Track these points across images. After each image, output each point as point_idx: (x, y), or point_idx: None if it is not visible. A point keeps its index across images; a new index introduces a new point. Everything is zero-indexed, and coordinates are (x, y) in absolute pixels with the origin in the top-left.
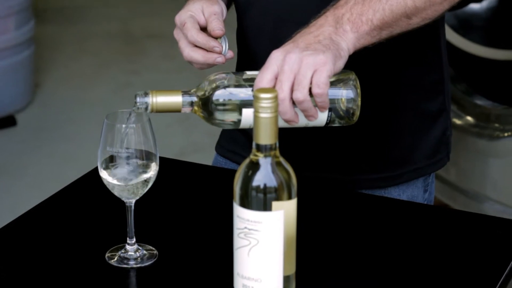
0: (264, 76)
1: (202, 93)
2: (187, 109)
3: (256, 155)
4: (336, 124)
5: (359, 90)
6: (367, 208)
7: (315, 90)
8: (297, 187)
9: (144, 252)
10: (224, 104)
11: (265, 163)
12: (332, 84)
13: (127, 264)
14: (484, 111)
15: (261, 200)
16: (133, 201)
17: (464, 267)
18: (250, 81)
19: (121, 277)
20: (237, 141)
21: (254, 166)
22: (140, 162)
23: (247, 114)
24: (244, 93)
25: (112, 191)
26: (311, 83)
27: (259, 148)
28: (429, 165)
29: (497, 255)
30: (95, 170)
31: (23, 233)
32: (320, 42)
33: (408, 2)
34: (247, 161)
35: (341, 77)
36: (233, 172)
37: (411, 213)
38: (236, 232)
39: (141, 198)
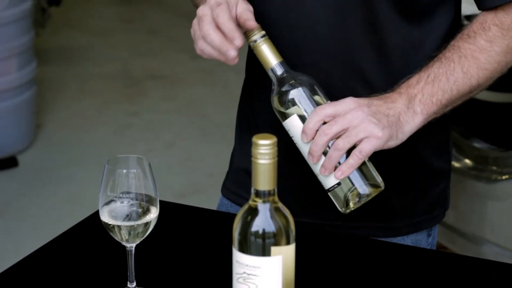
0: (326, 109)
1: (288, 77)
2: (270, 73)
3: (255, 201)
4: (331, 198)
5: (369, 198)
6: (368, 252)
7: (355, 153)
8: (295, 233)
9: None
10: (289, 101)
11: (264, 209)
12: (364, 171)
13: None
14: (482, 154)
15: (260, 245)
16: (134, 245)
17: None
18: (318, 104)
19: None
20: (244, 184)
21: (253, 212)
22: (140, 206)
23: (292, 121)
24: (308, 106)
25: (112, 235)
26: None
27: (258, 193)
28: (426, 220)
29: None
30: (96, 214)
31: (25, 276)
32: (387, 116)
33: (473, 81)
34: (246, 206)
35: (374, 179)
36: (234, 216)
37: (414, 258)
38: (235, 277)
39: (141, 242)
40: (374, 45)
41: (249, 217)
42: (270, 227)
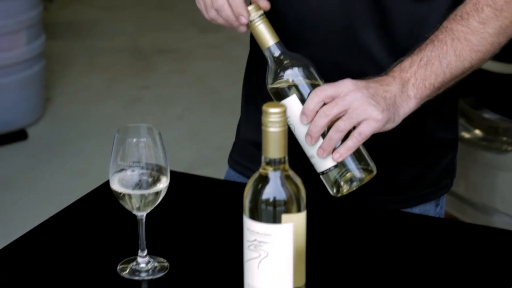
0: (326, 90)
1: (285, 57)
2: (266, 53)
3: (265, 169)
4: (323, 181)
5: (362, 183)
6: (378, 221)
7: (354, 135)
8: (306, 200)
9: (156, 264)
10: (285, 82)
11: (275, 177)
12: (358, 156)
13: (139, 276)
14: (492, 125)
15: (270, 213)
16: (144, 214)
17: (472, 280)
18: (314, 85)
19: None
20: (250, 156)
21: (264, 180)
22: (151, 175)
23: (288, 102)
24: (305, 87)
25: (123, 203)
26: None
27: (268, 162)
28: (434, 191)
29: (504, 268)
30: (106, 184)
31: (34, 246)
32: (385, 99)
33: (466, 63)
34: (256, 174)
35: (367, 164)
36: (243, 186)
37: (422, 227)
38: (246, 244)
39: (152, 211)
40: (379, 22)
41: (260, 185)
42: (281, 195)
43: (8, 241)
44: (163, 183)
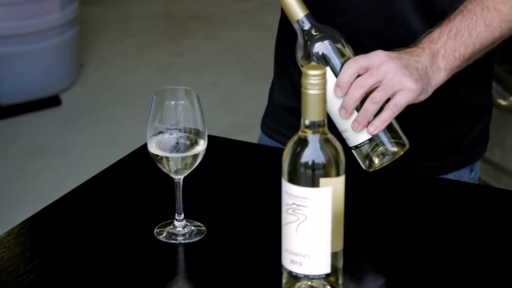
0: (359, 61)
1: (314, 30)
2: (295, 26)
3: (304, 132)
4: (356, 155)
5: (394, 158)
6: (415, 186)
7: (389, 106)
8: (345, 164)
9: (192, 228)
10: (315, 54)
11: (314, 140)
12: (390, 129)
13: (176, 240)
14: None
15: (309, 177)
16: (182, 177)
17: (509, 246)
18: (345, 57)
19: (169, 253)
20: (283, 121)
21: (303, 143)
22: (188, 138)
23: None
24: (335, 60)
25: (160, 166)
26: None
27: (308, 124)
28: (469, 157)
29: None
30: (140, 149)
31: (69, 211)
32: (417, 70)
33: (496, 33)
34: (295, 137)
35: (400, 137)
36: (280, 150)
37: (458, 192)
38: (284, 208)
39: (188, 175)
40: None
41: (299, 148)
42: (320, 158)
43: (42, 206)
44: (201, 146)
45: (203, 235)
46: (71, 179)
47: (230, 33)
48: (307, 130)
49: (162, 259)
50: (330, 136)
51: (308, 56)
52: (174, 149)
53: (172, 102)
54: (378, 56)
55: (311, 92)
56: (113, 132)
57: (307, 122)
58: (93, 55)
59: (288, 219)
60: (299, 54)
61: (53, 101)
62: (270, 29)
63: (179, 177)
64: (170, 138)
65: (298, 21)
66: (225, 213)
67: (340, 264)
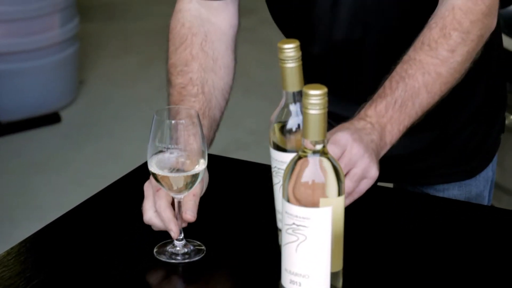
0: (336, 151)
1: (292, 100)
2: (283, 94)
3: (305, 152)
4: None
5: None
6: (415, 205)
7: (352, 195)
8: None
9: (192, 247)
10: (287, 131)
11: (314, 160)
12: None
13: (175, 259)
14: None
15: (309, 196)
16: (182, 196)
17: (507, 266)
18: None
19: (169, 272)
20: None
21: (303, 163)
22: (189, 157)
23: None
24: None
25: (161, 186)
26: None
27: (308, 144)
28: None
29: None
30: (140, 168)
31: (69, 229)
32: (373, 151)
33: (436, 97)
34: (296, 157)
35: None
36: None
37: (458, 212)
38: (284, 228)
39: None
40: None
41: (299, 168)
42: (320, 178)
43: (42, 223)
44: (201, 166)
45: (203, 255)
46: (72, 195)
47: None
48: (307, 150)
49: (162, 279)
50: (331, 156)
51: (282, 127)
52: (174, 168)
53: (173, 121)
54: (345, 139)
55: (311, 112)
56: (113, 148)
57: (307, 142)
58: (93, 72)
59: (288, 239)
60: (277, 128)
61: (53, 118)
62: (270, 45)
63: (180, 196)
64: (170, 157)
65: (287, 92)
66: (225, 233)
67: (340, 284)
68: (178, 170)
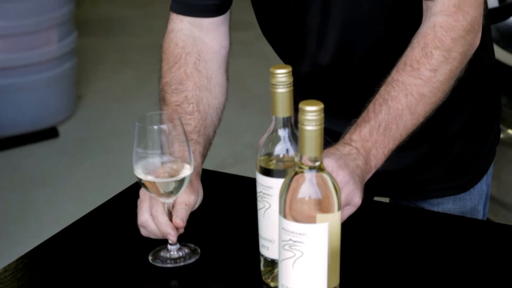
0: None
1: (288, 134)
2: (273, 119)
3: (301, 168)
4: (263, 264)
5: None
6: (409, 220)
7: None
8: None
9: (187, 250)
10: (275, 156)
11: (310, 176)
12: None
13: (171, 263)
14: None
15: (306, 212)
16: (171, 201)
17: (504, 280)
18: None
19: (165, 277)
20: None
21: (299, 178)
22: (174, 162)
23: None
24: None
25: (147, 191)
26: None
27: (305, 160)
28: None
29: None
30: (135, 185)
31: (68, 245)
32: (358, 177)
33: (420, 118)
34: (292, 173)
35: None
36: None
37: (455, 227)
38: (281, 244)
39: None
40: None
41: (296, 184)
42: (316, 194)
43: (40, 238)
44: (187, 170)
45: (198, 257)
46: (70, 210)
47: None
48: (304, 166)
49: (159, 284)
50: (327, 171)
51: (270, 153)
52: (160, 173)
53: (155, 127)
54: (332, 167)
55: (308, 128)
56: (110, 163)
57: (304, 158)
58: (91, 87)
59: (285, 255)
60: (263, 149)
61: (50, 133)
62: (268, 59)
63: (169, 201)
64: (155, 162)
65: (277, 118)
66: (219, 240)
67: None
68: (164, 176)
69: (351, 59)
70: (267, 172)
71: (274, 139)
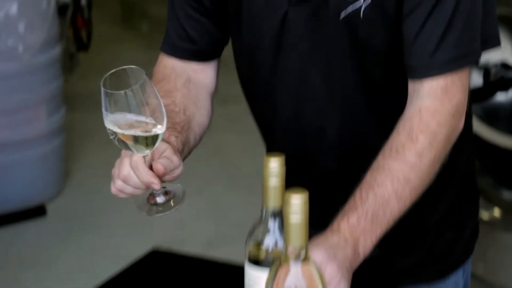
0: None
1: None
2: (262, 208)
3: (286, 257)
4: None
5: None
6: None
7: None
8: None
9: (173, 193)
10: (264, 248)
11: (296, 266)
12: None
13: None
14: (511, 205)
15: None
16: (148, 152)
17: None
18: None
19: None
20: None
21: (285, 268)
22: (146, 123)
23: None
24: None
25: (122, 146)
26: None
27: (290, 250)
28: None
29: None
30: (130, 268)
31: None
32: (347, 269)
33: (407, 204)
34: (277, 263)
35: None
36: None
37: None
38: None
39: None
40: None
41: (282, 274)
42: (302, 285)
43: None
44: (160, 129)
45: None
46: None
47: (215, 139)
48: (289, 256)
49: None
50: (312, 262)
51: (259, 243)
52: (131, 128)
53: (122, 92)
54: (321, 260)
55: (293, 219)
56: (100, 242)
57: (289, 247)
58: (79, 163)
59: None
60: (251, 239)
61: (38, 212)
62: (256, 134)
63: (146, 152)
64: (126, 119)
65: (267, 207)
66: None
67: None
68: (137, 133)
69: (324, 132)
70: (256, 262)
71: (264, 230)
